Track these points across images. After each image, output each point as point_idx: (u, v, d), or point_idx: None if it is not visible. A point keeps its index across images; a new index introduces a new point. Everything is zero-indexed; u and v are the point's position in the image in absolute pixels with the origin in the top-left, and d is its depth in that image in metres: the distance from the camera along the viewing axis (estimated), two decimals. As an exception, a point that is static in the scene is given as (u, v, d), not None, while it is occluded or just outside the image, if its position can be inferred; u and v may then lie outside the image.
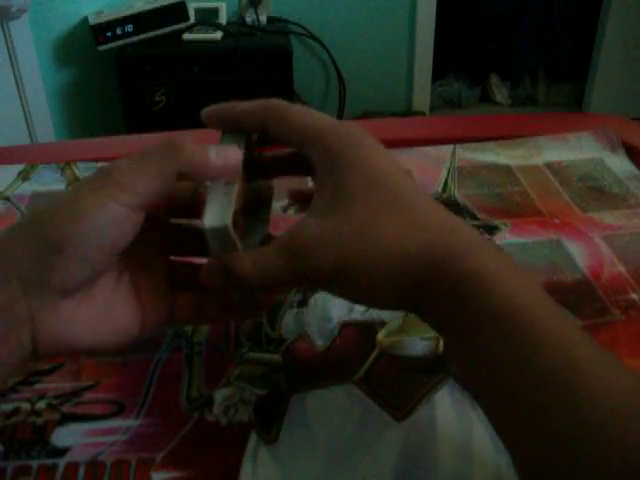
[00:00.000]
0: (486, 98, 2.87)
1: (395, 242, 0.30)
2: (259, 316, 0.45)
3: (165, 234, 0.35)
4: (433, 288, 0.29)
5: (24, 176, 0.65)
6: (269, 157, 0.37)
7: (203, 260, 0.32)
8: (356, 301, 0.33)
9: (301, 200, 0.37)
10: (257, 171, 0.36)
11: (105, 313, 0.31)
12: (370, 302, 0.32)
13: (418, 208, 0.31)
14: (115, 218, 0.28)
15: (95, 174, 0.29)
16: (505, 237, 0.54)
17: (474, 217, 0.57)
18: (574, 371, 0.26)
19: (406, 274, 0.29)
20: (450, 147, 0.68)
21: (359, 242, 0.30)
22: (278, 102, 0.33)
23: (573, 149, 0.68)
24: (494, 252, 0.30)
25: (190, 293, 0.34)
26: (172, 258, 0.35)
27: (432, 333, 0.44)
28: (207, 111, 0.33)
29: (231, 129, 0.34)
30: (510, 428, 0.28)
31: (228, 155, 0.31)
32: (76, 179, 0.64)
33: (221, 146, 0.32)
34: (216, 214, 0.30)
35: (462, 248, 0.30)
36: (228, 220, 0.30)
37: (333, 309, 0.46)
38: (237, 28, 2.14)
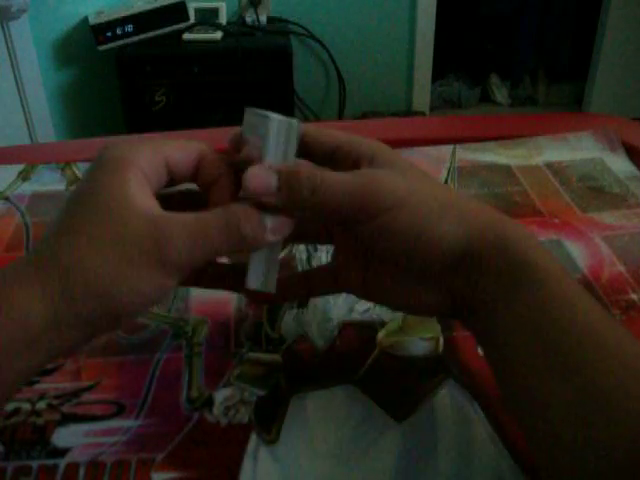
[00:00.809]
0: (486, 98, 2.87)
1: (453, 202, 0.32)
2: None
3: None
4: (487, 258, 0.31)
5: (24, 176, 0.65)
6: None
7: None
8: (410, 244, 0.32)
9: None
10: None
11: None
12: (424, 244, 0.32)
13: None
14: (168, 291, 0.29)
15: (147, 241, 0.28)
16: (505, 237, 0.54)
17: (474, 217, 0.57)
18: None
19: (460, 237, 0.31)
20: (450, 147, 0.68)
21: (422, 188, 0.32)
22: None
23: (573, 149, 0.68)
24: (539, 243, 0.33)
25: None
26: None
27: (432, 333, 0.44)
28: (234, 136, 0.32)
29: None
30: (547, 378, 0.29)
31: (283, 230, 0.31)
32: (76, 179, 0.63)
33: (276, 219, 0.31)
34: (259, 275, 0.32)
35: (519, 234, 0.32)
36: (272, 287, 0.32)
37: (333, 309, 0.46)
38: (237, 28, 2.14)
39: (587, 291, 0.31)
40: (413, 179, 0.32)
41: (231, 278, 0.36)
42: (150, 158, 0.30)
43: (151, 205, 0.29)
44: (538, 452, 0.29)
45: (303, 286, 0.38)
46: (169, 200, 0.33)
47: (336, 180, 0.31)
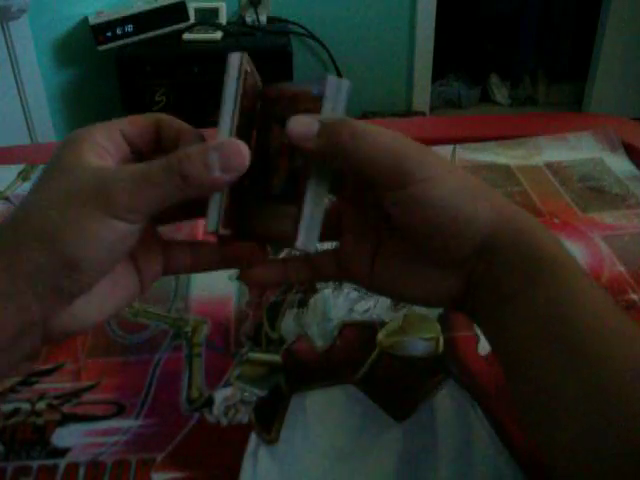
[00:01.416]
0: (486, 98, 2.87)
1: (473, 186, 0.32)
2: (248, 265, 0.39)
3: None
4: (503, 236, 0.31)
5: (24, 176, 0.65)
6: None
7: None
8: (429, 213, 0.31)
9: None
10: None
11: (110, 289, 0.32)
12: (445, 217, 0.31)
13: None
14: (122, 235, 0.29)
15: (92, 187, 0.29)
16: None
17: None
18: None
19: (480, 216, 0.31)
20: (450, 147, 0.68)
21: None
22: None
23: (573, 149, 0.68)
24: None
25: (184, 243, 0.35)
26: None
27: (432, 333, 0.44)
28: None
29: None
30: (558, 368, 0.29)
31: (234, 166, 0.29)
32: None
33: (227, 150, 0.29)
34: (214, 218, 0.31)
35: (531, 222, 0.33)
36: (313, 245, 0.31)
37: (333, 309, 0.46)
38: (237, 28, 2.14)
39: (601, 287, 0.31)
40: (447, 163, 0.33)
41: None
42: (104, 132, 0.32)
43: (101, 162, 0.30)
44: (539, 446, 0.29)
45: (305, 270, 0.36)
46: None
47: (378, 131, 0.31)
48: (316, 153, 0.31)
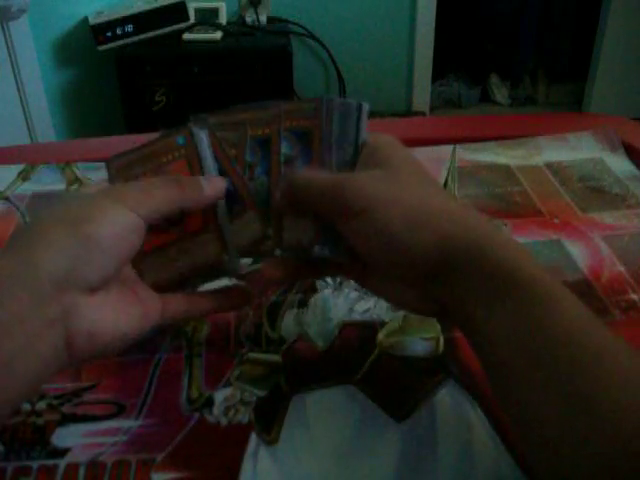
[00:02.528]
0: (486, 98, 2.87)
1: (436, 203, 0.33)
2: (243, 308, 0.46)
3: None
4: (464, 258, 0.31)
5: (24, 176, 0.65)
6: None
7: None
8: (384, 241, 0.32)
9: None
10: None
11: (132, 297, 0.33)
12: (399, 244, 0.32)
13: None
14: (133, 226, 0.32)
15: (109, 188, 0.35)
16: (505, 237, 0.54)
17: (474, 217, 0.57)
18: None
19: (440, 237, 0.31)
20: (450, 147, 0.68)
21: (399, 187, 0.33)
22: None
23: (573, 149, 0.68)
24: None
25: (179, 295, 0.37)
26: None
27: (432, 333, 0.44)
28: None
29: None
30: (530, 388, 0.28)
31: (217, 186, 0.36)
32: (76, 179, 0.64)
33: (209, 176, 0.36)
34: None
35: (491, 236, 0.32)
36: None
37: (333, 309, 0.46)
38: (237, 28, 2.14)
39: (570, 292, 0.30)
40: (398, 182, 0.33)
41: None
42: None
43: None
44: (530, 456, 0.29)
45: (310, 269, 0.38)
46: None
47: (311, 177, 0.34)
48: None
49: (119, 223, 0.31)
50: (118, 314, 0.32)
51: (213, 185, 0.35)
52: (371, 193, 0.32)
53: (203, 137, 0.37)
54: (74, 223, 0.30)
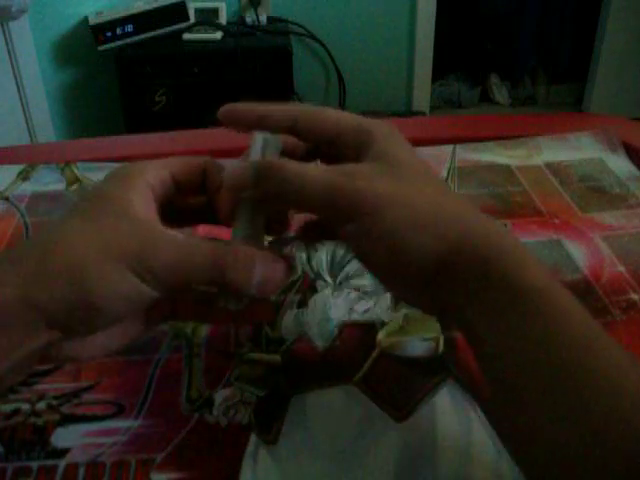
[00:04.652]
0: (486, 98, 2.87)
1: (436, 201, 0.31)
2: (257, 322, 0.45)
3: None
4: (465, 259, 0.29)
5: (24, 176, 0.64)
6: None
7: None
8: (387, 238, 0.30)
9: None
10: None
11: (118, 330, 0.32)
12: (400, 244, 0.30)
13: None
14: (147, 299, 0.29)
15: (134, 247, 0.28)
16: (505, 237, 0.54)
17: (474, 217, 0.57)
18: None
19: (441, 237, 0.30)
20: (450, 147, 0.68)
21: (403, 180, 0.31)
22: (306, 104, 0.35)
23: (573, 149, 0.68)
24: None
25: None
26: None
27: (432, 333, 0.44)
28: (225, 111, 0.34)
29: (254, 128, 0.33)
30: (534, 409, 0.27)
31: (271, 285, 0.31)
32: (76, 179, 0.63)
33: (268, 268, 0.31)
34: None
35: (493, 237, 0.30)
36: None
37: (333, 309, 0.46)
38: (237, 28, 2.14)
39: (576, 300, 0.29)
40: (405, 180, 0.31)
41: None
42: (156, 172, 0.32)
43: (148, 213, 0.31)
44: (524, 470, 0.28)
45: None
46: (174, 210, 0.34)
47: (304, 175, 0.30)
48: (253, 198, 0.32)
49: (131, 299, 0.29)
50: (110, 339, 0.32)
51: (267, 283, 0.31)
52: (380, 193, 0.30)
53: None
54: (81, 285, 0.28)
